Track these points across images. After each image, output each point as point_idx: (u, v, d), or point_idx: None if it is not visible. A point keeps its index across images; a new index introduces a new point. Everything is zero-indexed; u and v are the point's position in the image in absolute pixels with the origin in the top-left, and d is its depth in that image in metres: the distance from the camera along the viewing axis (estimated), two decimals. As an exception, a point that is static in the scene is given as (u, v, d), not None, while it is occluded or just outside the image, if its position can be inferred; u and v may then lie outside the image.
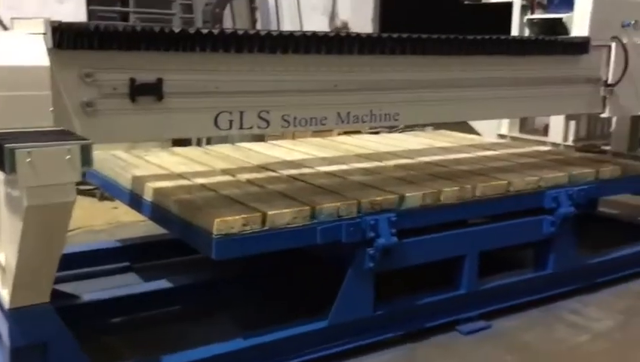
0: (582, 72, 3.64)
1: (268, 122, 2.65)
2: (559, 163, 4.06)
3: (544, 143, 4.92)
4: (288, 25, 8.11)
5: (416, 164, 3.92)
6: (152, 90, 2.33)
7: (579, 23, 3.68)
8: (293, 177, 3.45)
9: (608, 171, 3.97)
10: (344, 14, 8.61)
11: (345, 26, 8.55)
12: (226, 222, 2.61)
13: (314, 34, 2.68)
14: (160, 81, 2.35)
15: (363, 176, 3.53)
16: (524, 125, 5.23)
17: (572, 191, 3.70)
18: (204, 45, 2.39)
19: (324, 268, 3.30)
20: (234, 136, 2.78)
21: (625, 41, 3.68)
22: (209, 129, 2.53)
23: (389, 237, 3.01)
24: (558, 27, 3.86)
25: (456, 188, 3.33)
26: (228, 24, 7.50)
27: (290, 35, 2.61)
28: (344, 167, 3.76)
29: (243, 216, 2.66)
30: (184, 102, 2.43)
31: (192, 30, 2.35)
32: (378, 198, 3.06)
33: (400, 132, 5.86)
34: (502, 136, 5.22)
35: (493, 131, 5.22)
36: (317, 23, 8.37)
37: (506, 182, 3.52)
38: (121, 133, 2.37)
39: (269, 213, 2.73)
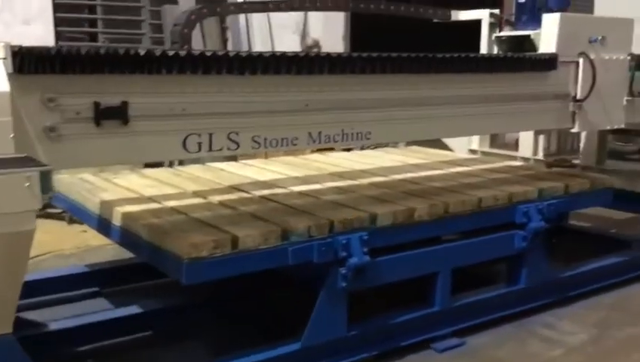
0: (551, 88, 3.67)
1: (238, 144, 2.61)
2: (530, 178, 4.09)
3: (514, 158, 4.96)
4: (259, 44, 8.11)
5: (389, 181, 3.91)
6: (117, 114, 2.28)
7: (546, 40, 3.70)
8: (266, 198, 3.42)
9: (577, 185, 4.02)
10: (315, 33, 8.63)
11: (316, 44, 8.56)
12: (195, 246, 2.56)
13: (283, 54, 2.66)
14: (125, 104, 2.30)
15: (336, 195, 3.51)
16: (495, 140, 5.27)
17: (542, 205, 3.74)
18: (170, 67, 2.36)
19: (296, 289, 3.27)
20: (205, 156, 2.74)
21: (592, 56, 3.71)
22: (177, 152, 2.48)
23: (361, 256, 2.99)
24: (526, 44, 3.90)
25: (427, 205, 3.33)
26: (198, 44, 7.47)
27: (259, 55, 2.59)
28: (317, 186, 3.73)
29: (213, 238, 2.62)
30: (150, 125, 2.38)
31: (157, 52, 2.31)
32: (350, 217, 3.05)
33: (372, 149, 5.86)
34: (473, 152, 5.25)
35: (464, 146, 5.25)
36: (288, 42, 8.37)
37: (477, 198, 3.53)
38: (85, 158, 2.31)
39: (240, 235, 2.69)
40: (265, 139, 2.69)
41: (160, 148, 2.44)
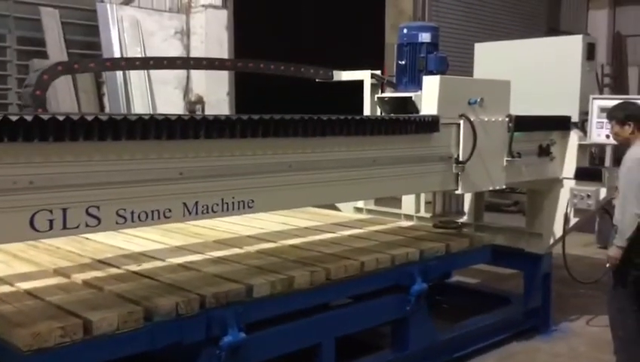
0: (434, 150, 3.61)
1: (99, 219, 2.29)
2: (413, 239, 4.06)
3: (399, 215, 4.92)
4: (139, 99, 7.71)
5: (275, 248, 3.70)
6: (-56, 190, 1.90)
7: (427, 102, 3.66)
8: (138, 273, 3.07)
9: (457, 244, 4.03)
10: (199, 88, 8.37)
11: (200, 100, 8.29)
12: (38, 336, 2.24)
13: (152, 117, 2.38)
14: (-46, 178, 1.92)
15: (217, 267, 3.24)
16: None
17: (424, 266, 3.71)
18: (14, 135, 2.01)
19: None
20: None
21: (472, 118, 3.69)
22: (23, 233, 2.11)
23: (236, 333, 2.78)
24: (409, 105, 3.84)
25: (307, 272, 3.18)
26: (72, 101, 6.99)
27: (124, 118, 2.30)
28: (196, 257, 3.43)
29: (60, 326, 2.29)
30: (-13, 201, 2.01)
31: (-3, 117, 1.97)
32: (223, 291, 2.81)
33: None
34: (358, 209, 5.17)
35: (350, 204, 5.15)
36: (170, 97, 8.04)
37: (359, 262, 3.43)
38: None
39: (94, 319, 2.38)
40: (132, 212, 2.38)
41: (1, 228, 2.06)
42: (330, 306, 3.47)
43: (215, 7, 8.47)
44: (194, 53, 8.37)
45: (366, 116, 3.29)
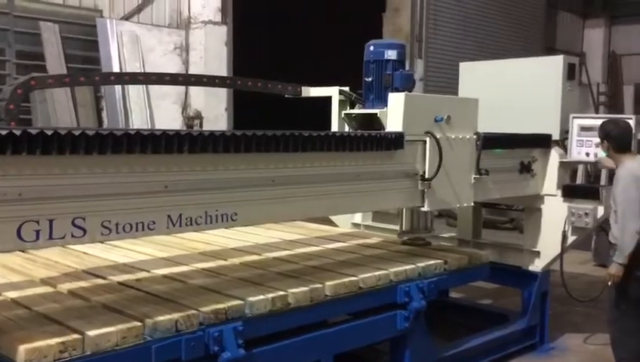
0: (398, 166, 3.62)
1: (84, 230, 2.37)
2: (409, 254, 4.04)
3: (396, 231, 4.92)
4: (138, 114, 7.84)
5: (266, 261, 3.74)
6: None
7: (393, 118, 3.68)
8: (125, 284, 3.13)
9: (456, 261, 4.00)
10: (197, 104, 8.50)
11: (198, 115, 8.42)
12: (37, 350, 2.25)
13: (137, 132, 2.48)
14: (-56, 189, 2.02)
15: (207, 279, 3.29)
16: (378, 213, 5.14)
17: (423, 284, 3.69)
18: (3, 148, 2.11)
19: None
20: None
21: (438, 135, 3.70)
22: (11, 242, 2.20)
23: (235, 350, 2.78)
24: (375, 122, 3.86)
25: (306, 288, 3.18)
26: (70, 115, 7.11)
27: (110, 133, 2.40)
28: (185, 268, 3.49)
29: (60, 341, 2.31)
30: (-25, 212, 2.10)
31: (-12, 131, 2.07)
32: (222, 306, 2.83)
33: (251, 223, 5.66)
34: (356, 225, 5.18)
35: (347, 220, 5.16)
36: (168, 112, 8.17)
37: (357, 278, 3.42)
38: None
39: (92, 334, 2.40)
40: (117, 224, 2.46)
41: (-12, 238, 2.15)
42: (328, 323, 3.45)
43: (214, 23, 8.61)
44: (193, 69, 8.50)
45: (327, 132, 3.29)
